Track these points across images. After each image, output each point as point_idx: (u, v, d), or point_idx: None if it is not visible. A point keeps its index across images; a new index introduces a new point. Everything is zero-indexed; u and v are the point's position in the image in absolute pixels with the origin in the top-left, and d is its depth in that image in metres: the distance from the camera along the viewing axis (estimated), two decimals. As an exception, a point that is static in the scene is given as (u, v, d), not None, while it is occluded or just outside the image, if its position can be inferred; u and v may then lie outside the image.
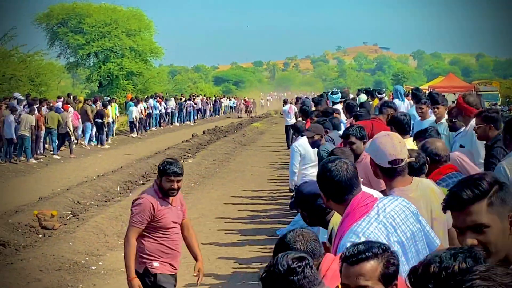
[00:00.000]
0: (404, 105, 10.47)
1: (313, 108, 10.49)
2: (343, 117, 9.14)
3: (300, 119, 10.87)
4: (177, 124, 34.42)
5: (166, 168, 4.47)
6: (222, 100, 49.77)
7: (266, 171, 16.27)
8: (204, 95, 46.22)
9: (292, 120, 17.83)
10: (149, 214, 4.53)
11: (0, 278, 7.09)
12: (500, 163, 4.26)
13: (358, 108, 8.95)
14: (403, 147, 3.31)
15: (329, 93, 13.01)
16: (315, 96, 19.46)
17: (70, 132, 19.65)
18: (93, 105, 22.84)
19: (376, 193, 3.31)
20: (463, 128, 5.93)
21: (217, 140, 23.61)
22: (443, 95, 8.45)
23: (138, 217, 4.55)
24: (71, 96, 25.43)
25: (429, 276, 1.65)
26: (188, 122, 36.22)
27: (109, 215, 10.14)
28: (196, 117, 38.93)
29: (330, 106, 10.52)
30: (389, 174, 3.29)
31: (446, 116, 6.77)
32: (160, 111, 31.46)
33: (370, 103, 11.43)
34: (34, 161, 17.63)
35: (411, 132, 6.14)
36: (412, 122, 6.43)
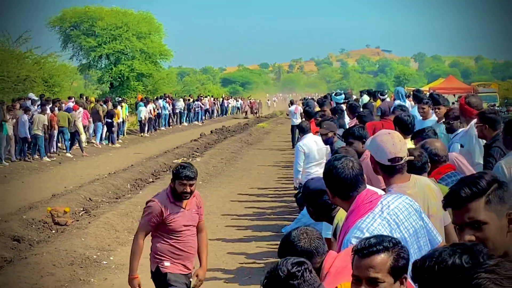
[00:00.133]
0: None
1: (317, 109, 10.66)
2: (346, 117, 9.30)
3: (304, 119, 11.06)
4: (186, 124, 34.62)
5: (180, 172, 4.52)
6: (229, 101, 49.85)
7: (272, 170, 16.31)
8: (212, 96, 46.31)
9: (298, 120, 17.83)
10: (157, 218, 4.56)
11: (15, 272, 7.14)
12: (499, 162, 4.33)
13: (361, 109, 9.17)
14: (403, 145, 3.33)
15: (333, 94, 13.14)
16: (320, 97, 19.51)
17: (79, 131, 19.86)
18: (104, 105, 23.18)
19: (380, 191, 3.31)
20: (462, 129, 6.01)
21: (224, 140, 23.71)
22: (444, 96, 8.63)
23: (146, 219, 4.60)
24: (84, 97, 25.78)
25: (424, 270, 1.70)
26: (196, 122, 36.45)
27: (120, 211, 10.20)
28: (204, 117, 39.16)
29: (334, 107, 10.71)
30: (388, 171, 3.32)
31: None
32: (169, 111, 31.73)
33: (373, 104, 11.51)
34: (48, 159, 17.85)
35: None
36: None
